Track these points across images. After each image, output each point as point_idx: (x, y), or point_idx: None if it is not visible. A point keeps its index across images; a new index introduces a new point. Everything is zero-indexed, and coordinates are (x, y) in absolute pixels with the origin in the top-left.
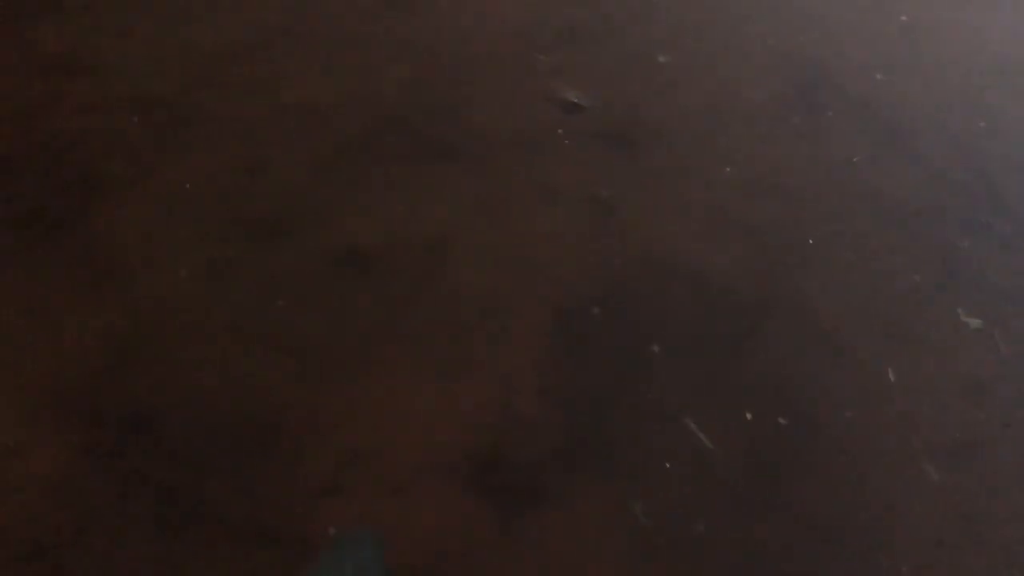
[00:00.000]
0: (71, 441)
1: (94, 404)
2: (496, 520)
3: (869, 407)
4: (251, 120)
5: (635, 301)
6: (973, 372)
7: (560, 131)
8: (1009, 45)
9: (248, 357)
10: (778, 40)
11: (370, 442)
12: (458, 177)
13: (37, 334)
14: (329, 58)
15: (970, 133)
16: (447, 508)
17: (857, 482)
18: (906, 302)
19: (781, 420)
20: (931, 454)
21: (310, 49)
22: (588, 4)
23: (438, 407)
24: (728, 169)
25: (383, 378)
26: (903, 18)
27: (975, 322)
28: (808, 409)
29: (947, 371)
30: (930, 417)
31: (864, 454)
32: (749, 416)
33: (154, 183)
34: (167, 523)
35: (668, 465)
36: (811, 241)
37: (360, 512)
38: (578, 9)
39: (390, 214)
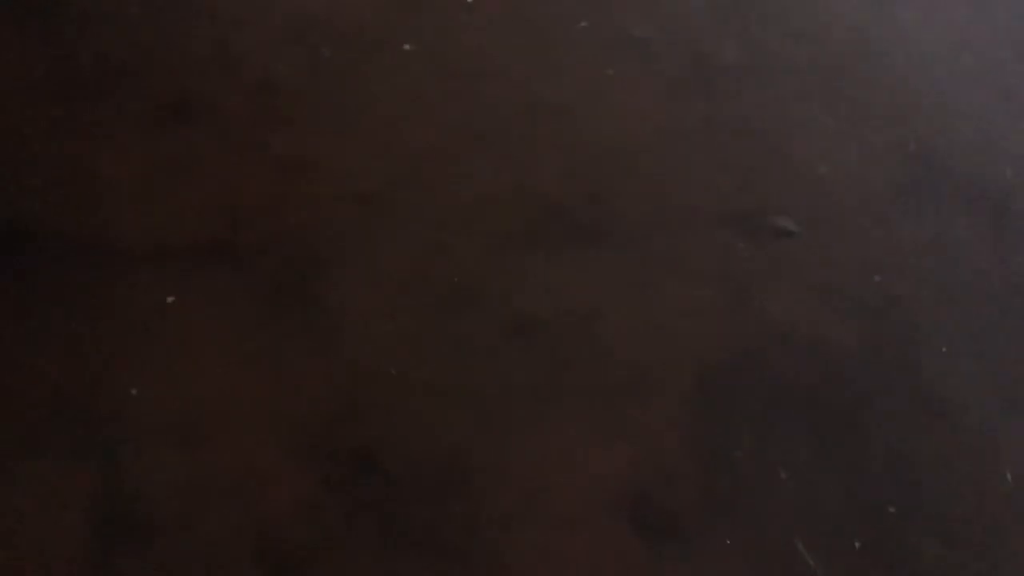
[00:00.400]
0: (312, 473)
1: (329, 444)
2: (647, 552)
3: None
4: (437, 210)
5: (762, 369)
6: None
7: (696, 215)
8: None
9: (441, 410)
10: (889, 126)
11: (541, 485)
12: (609, 258)
13: (280, 389)
14: (502, 157)
15: None
16: (606, 541)
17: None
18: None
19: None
20: None
21: (487, 151)
22: (716, 96)
23: (596, 457)
24: (843, 247)
25: (549, 432)
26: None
27: None
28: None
29: None
30: None
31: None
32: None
33: (363, 266)
34: (388, 542)
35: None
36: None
37: (535, 541)
38: (708, 105)
39: (552, 290)
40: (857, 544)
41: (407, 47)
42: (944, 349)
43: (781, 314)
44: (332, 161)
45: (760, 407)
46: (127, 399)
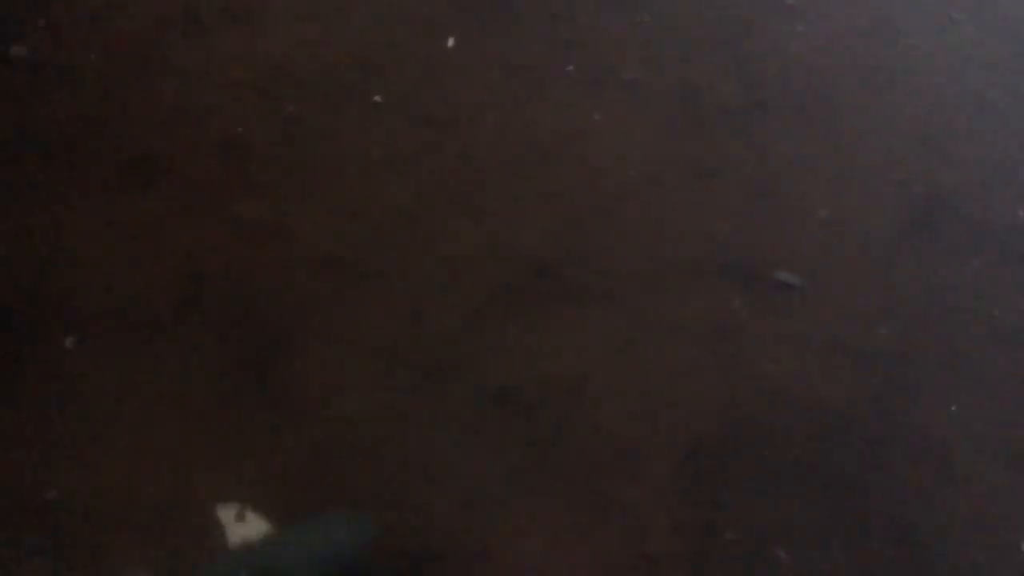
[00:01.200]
0: None
1: None
2: None
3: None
4: (412, 273)
5: (758, 436)
6: None
7: (689, 269)
8: None
9: (415, 494)
10: (892, 164)
11: (520, 573)
12: (595, 319)
13: (241, 473)
14: (481, 213)
15: None
16: None
17: None
18: None
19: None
20: None
21: (465, 206)
22: (714, 144)
23: (578, 544)
24: (846, 298)
25: (529, 517)
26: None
27: None
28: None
29: None
30: None
31: None
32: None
33: (332, 337)
34: None
35: None
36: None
37: None
38: (700, 148)
39: (534, 358)
40: None
41: (377, 99)
42: (952, 407)
43: (778, 374)
44: (300, 224)
45: (754, 480)
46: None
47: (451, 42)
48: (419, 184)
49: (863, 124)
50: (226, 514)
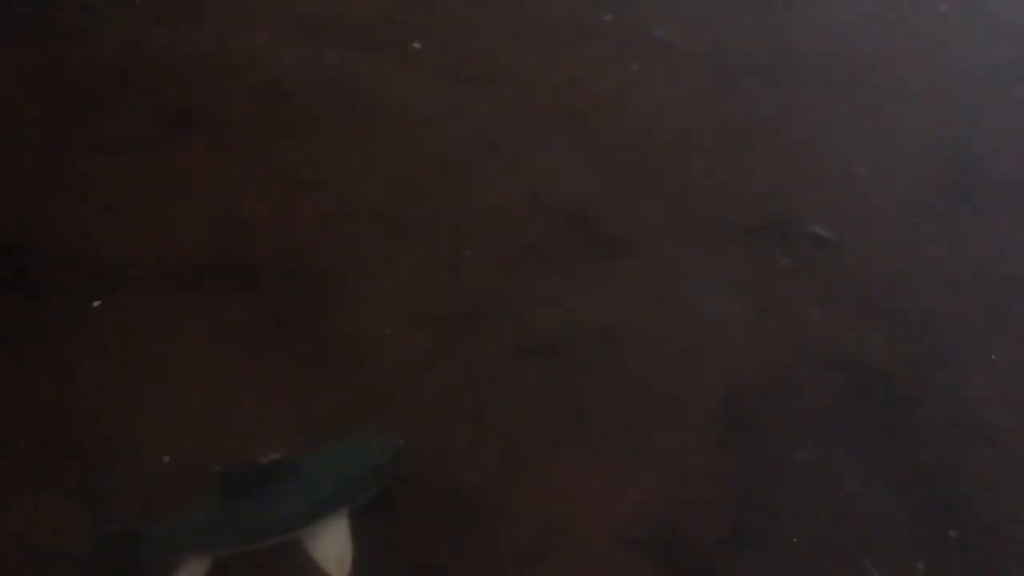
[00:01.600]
0: None
1: None
2: None
3: None
4: (451, 224)
5: (792, 387)
6: None
7: (725, 224)
8: None
9: (453, 438)
10: (924, 128)
11: (560, 516)
12: (631, 271)
13: (286, 414)
14: (519, 164)
15: None
16: None
17: None
18: None
19: None
20: None
21: (504, 157)
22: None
23: (615, 488)
24: (880, 255)
25: (567, 462)
26: None
27: None
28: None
29: None
30: None
31: None
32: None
33: (372, 285)
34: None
35: (831, 544)
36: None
37: None
38: (736, 105)
39: (570, 308)
40: (921, 566)
41: (416, 45)
42: (988, 363)
43: (814, 329)
44: (340, 173)
45: (792, 430)
46: (121, 436)
47: None
48: (458, 135)
49: (894, 86)
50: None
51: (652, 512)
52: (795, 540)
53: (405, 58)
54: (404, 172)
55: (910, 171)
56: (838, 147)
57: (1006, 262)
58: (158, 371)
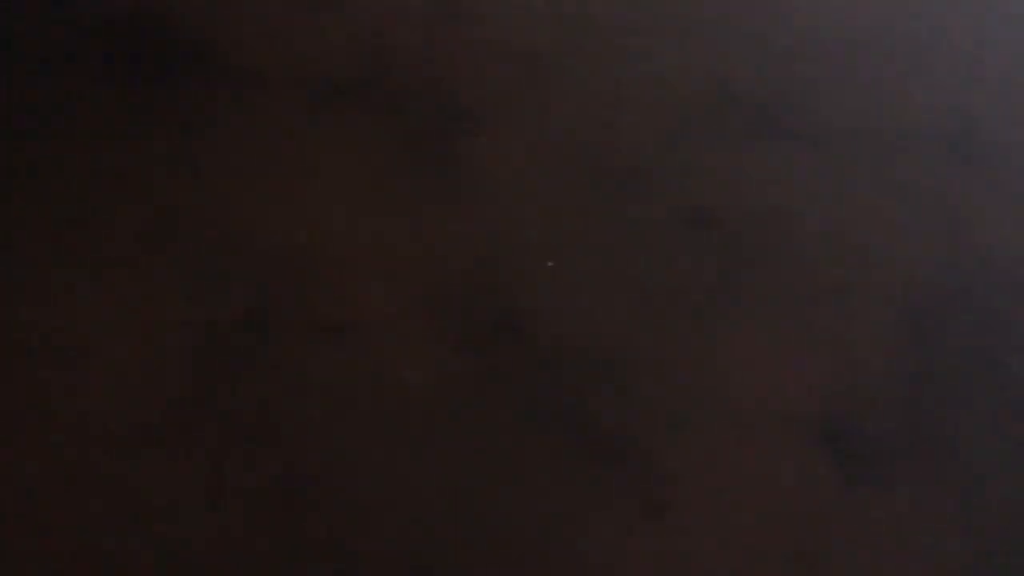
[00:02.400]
0: (445, 333)
1: (466, 305)
2: (837, 475)
3: None
4: (608, 82)
5: (979, 304)
6: None
7: (907, 128)
8: None
9: (596, 292)
10: None
11: (714, 387)
12: (804, 159)
13: (414, 242)
14: (695, 38)
15: None
16: (789, 457)
17: None
18: None
19: None
20: None
21: (667, 26)
22: None
23: (782, 367)
24: None
25: (726, 333)
26: None
27: None
28: None
29: None
30: None
31: None
32: None
33: (517, 130)
34: (527, 418)
35: (1009, 462)
36: None
37: (701, 446)
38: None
39: (735, 184)
40: None
41: None
42: None
43: (999, 247)
44: (496, 8)
45: (975, 340)
46: (244, 226)
47: None
48: (626, 2)
49: None
50: None
51: (819, 397)
52: (972, 447)
53: None
54: (566, 21)
55: None
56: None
57: None
58: (283, 174)
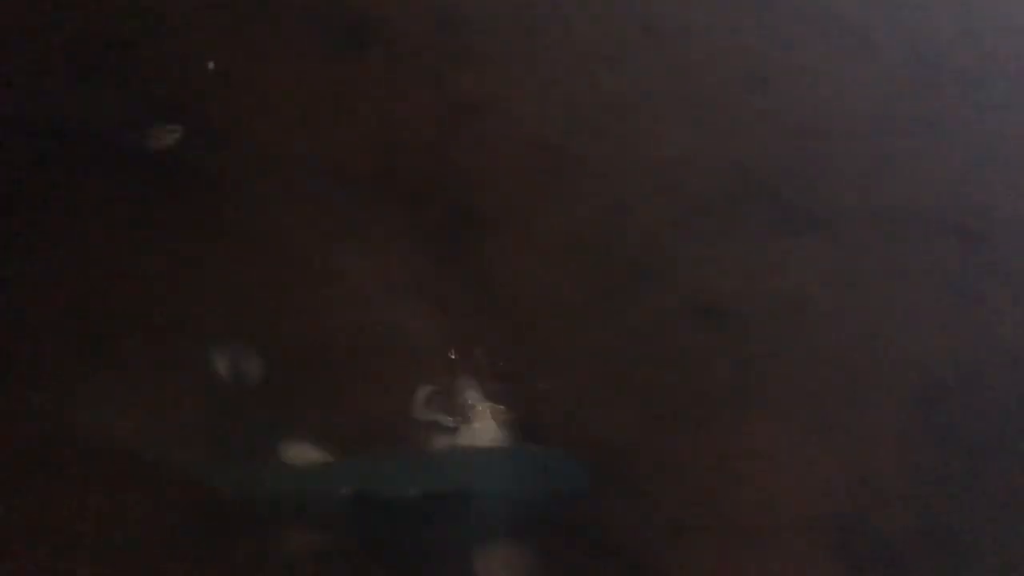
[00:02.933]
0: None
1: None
2: None
3: None
4: (620, 169)
5: (993, 395)
6: None
7: (915, 214)
8: None
9: (604, 394)
10: None
11: (724, 492)
12: (816, 247)
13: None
14: (706, 122)
15: None
16: (802, 565)
17: None
18: None
19: None
20: None
21: (683, 110)
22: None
23: (790, 465)
24: None
25: (738, 433)
26: None
27: None
28: None
29: None
30: None
31: None
32: None
33: (530, 223)
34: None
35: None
36: None
37: (711, 554)
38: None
39: (748, 273)
40: None
41: None
42: None
43: (1012, 331)
44: (510, 103)
45: (991, 431)
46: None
47: None
48: (644, 82)
49: None
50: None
51: (833, 496)
52: (988, 544)
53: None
54: (579, 110)
55: None
56: None
57: None
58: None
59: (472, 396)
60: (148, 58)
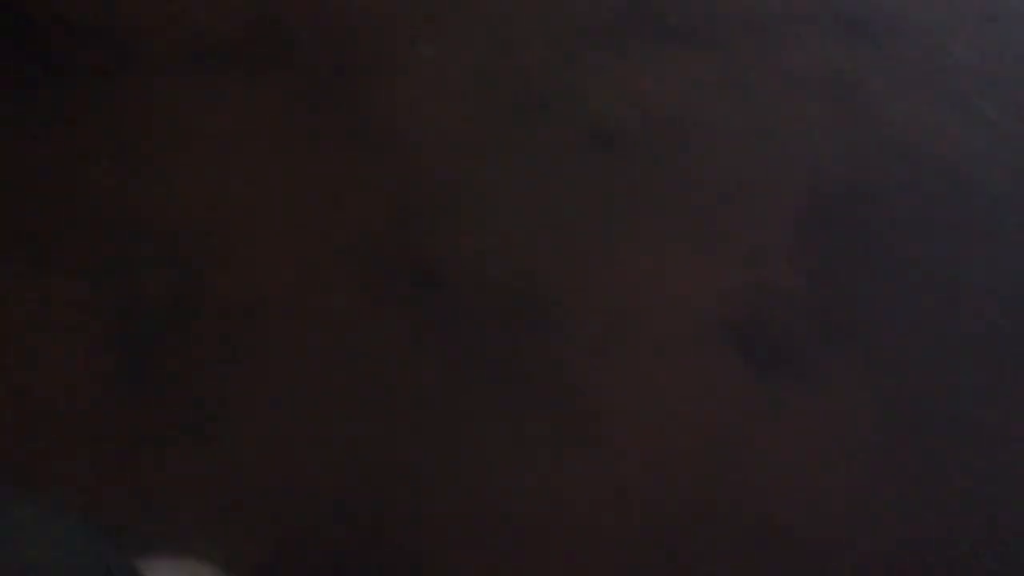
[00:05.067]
0: (365, 287)
1: (385, 256)
2: (756, 377)
3: None
4: (504, 5)
5: (884, 188)
6: None
7: (797, 13)
8: None
9: (510, 225)
10: None
11: (631, 308)
12: (699, 59)
13: (325, 197)
14: None
15: None
16: (710, 368)
17: None
18: None
19: None
20: None
21: None
22: None
23: (691, 276)
24: (957, 52)
25: (638, 250)
26: None
27: None
28: None
29: None
30: None
31: None
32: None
33: (415, 65)
34: (454, 367)
35: (916, 345)
36: None
37: (625, 369)
38: None
39: (635, 94)
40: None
41: None
42: None
43: (903, 128)
44: None
45: (885, 230)
46: (147, 208)
47: None
48: None
49: None
50: None
51: (731, 301)
52: (886, 333)
53: None
54: None
55: None
56: None
57: None
58: (182, 150)
59: None
60: None
